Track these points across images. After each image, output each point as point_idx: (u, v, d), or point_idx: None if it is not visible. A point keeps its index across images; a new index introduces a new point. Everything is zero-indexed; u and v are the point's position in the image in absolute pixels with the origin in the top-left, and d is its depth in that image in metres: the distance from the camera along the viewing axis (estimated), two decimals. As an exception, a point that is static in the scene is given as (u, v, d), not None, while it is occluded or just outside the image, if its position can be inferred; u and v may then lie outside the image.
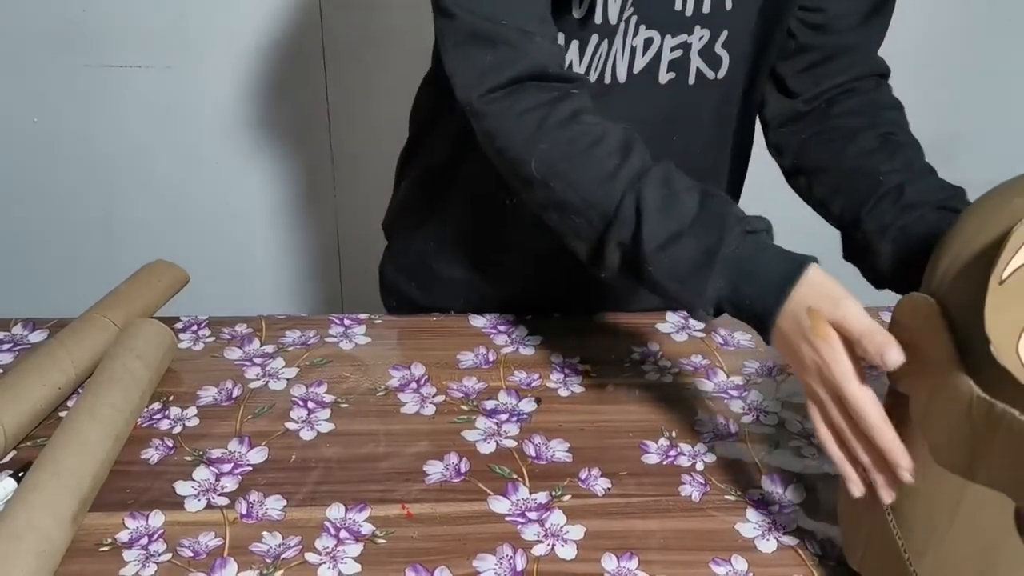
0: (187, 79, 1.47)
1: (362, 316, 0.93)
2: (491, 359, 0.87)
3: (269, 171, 1.56)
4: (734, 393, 0.83)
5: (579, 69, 0.78)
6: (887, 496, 0.57)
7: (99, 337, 0.81)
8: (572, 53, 0.77)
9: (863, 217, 0.75)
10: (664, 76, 0.80)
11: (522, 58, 0.69)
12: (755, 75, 0.85)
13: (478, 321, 0.92)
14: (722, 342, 0.91)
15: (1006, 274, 0.47)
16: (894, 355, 0.53)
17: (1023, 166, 0.61)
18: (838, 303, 0.57)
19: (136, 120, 1.50)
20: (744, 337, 0.92)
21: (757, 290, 0.61)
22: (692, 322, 0.94)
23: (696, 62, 0.80)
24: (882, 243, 0.73)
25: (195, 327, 0.90)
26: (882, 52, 0.91)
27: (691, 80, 0.81)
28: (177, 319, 0.91)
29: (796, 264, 0.61)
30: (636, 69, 0.79)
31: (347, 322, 0.92)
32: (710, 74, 0.81)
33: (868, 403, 0.55)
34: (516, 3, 0.70)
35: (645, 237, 0.64)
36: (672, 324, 0.94)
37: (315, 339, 0.89)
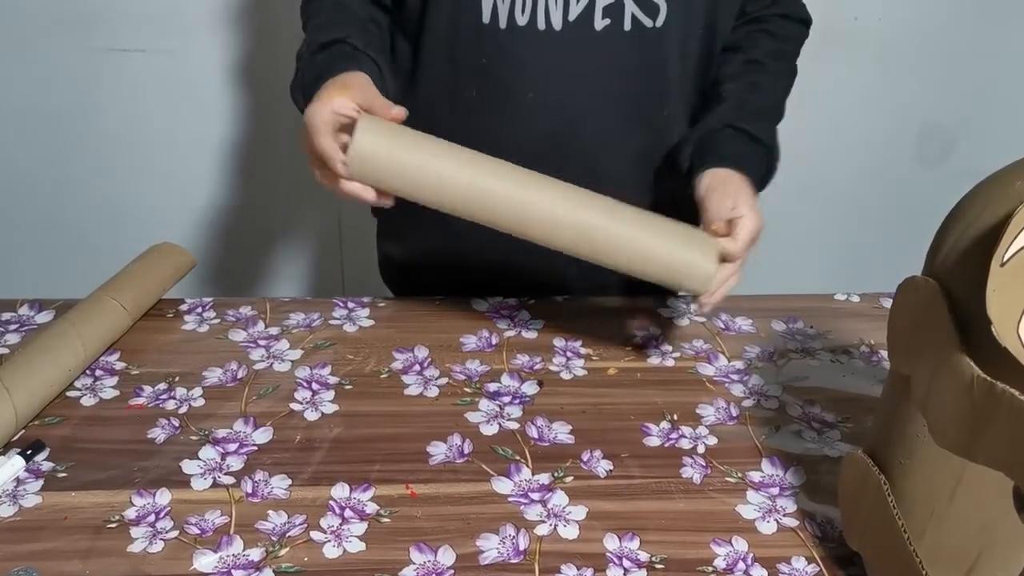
0: (192, 62, 1.47)
1: (365, 299, 0.93)
2: (494, 342, 0.87)
3: (273, 155, 1.56)
4: (735, 377, 0.84)
5: (503, 10, 0.82)
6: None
7: (108, 319, 0.82)
8: None
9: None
10: (599, 23, 0.82)
11: None
12: (704, 29, 0.88)
13: (481, 305, 0.93)
14: (723, 327, 0.92)
15: (1007, 256, 0.47)
16: None
17: (1026, 152, 0.61)
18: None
19: (141, 103, 1.49)
20: (745, 322, 0.92)
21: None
22: (694, 307, 0.95)
23: (631, 8, 0.82)
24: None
25: (200, 309, 0.90)
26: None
27: (627, 27, 0.83)
28: (182, 301, 0.91)
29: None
30: (571, 16, 0.82)
31: (351, 305, 0.92)
32: (647, 22, 0.83)
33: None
34: None
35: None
36: (674, 309, 0.94)
37: (319, 321, 0.89)
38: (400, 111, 0.76)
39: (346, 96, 0.74)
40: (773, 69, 0.92)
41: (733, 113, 0.88)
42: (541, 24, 0.82)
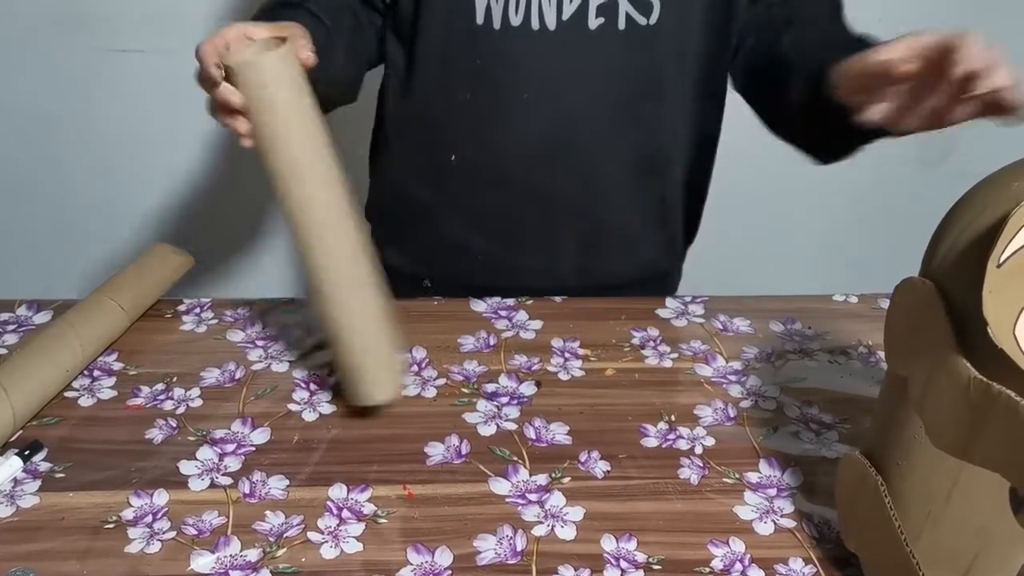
0: (192, 62, 1.47)
1: (364, 300, 0.93)
2: (492, 343, 0.87)
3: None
4: (733, 378, 0.84)
5: (496, 11, 0.81)
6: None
7: (106, 320, 0.82)
8: None
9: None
10: (593, 22, 0.82)
11: None
12: (703, 26, 0.86)
13: (479, 305, 0.93)
14: (721, 328, 0.91)
15: (1004, 257, 0.47)
16: None
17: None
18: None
19: (141, 103, 1.50)
20: (743, 323, 0.92)
21: None
22: (692, 307, 0.94)
23: (625, 6, 0.82)
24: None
25: (198, 310, 0.90)
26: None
27: (621, 25, 0.82)
28: (180, 301, 0.91)
29: None
30: (565, 16, 0.81)
31: (349, 306, 0.92)
32: (641, 20, 0.83)
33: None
34: None
35: None
36: (672, 309, 0.94)
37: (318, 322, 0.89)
38: (311, 56, 0.71)
39: (268, 30, 0.70)
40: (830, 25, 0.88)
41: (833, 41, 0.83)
42: (535, 24, 0.82)
